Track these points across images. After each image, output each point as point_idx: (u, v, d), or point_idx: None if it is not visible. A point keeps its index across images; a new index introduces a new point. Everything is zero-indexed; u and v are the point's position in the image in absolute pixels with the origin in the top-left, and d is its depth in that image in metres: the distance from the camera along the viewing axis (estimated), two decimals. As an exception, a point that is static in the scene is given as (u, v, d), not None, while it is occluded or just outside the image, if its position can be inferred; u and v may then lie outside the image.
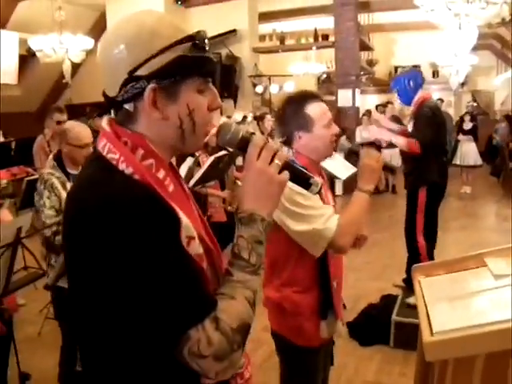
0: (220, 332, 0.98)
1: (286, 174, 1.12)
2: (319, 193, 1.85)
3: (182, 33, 1.06)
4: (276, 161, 1.11)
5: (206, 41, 1.08)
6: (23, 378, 2.83)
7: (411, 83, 4.23)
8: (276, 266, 2.06)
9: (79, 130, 3.12)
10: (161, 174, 1.06)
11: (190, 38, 1.05)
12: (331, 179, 5.53)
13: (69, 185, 3.06)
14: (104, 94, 1.09)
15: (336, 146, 2.18)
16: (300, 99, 2.09)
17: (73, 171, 3.15)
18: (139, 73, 1.02)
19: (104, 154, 1.04)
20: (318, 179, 1.20)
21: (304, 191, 1.19)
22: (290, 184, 1.17)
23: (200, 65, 1.07)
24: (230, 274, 1.07)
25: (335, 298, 2.10)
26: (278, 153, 1.12)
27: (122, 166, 1.01)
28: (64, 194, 3.01)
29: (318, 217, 1.92)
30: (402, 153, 4.76)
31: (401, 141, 4.28)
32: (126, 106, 1.06)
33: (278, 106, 2.19)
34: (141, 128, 1.07)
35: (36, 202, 3.02)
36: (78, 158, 3.08)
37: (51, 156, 3.24)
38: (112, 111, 1.11)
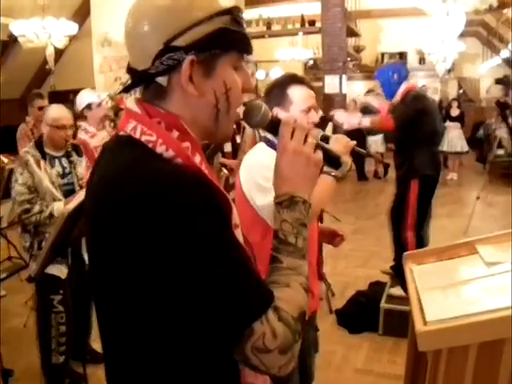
0: (283, 323, 0.91)
1: (319, 153, 1.08)
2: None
3: (219, 5, 0.98)
4: (309, 140, 1.06)
5: (243, 17, 1.02)
6: (6, 375, 2.74)
7: (395, 76, 4.09)
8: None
9: (57, 111, 3.23)
10: (197, 158, 0.98)
11: (228, 12, 0.98)
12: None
13: (42, 163, 3.13)
14: (129, 68, 1.01)
15: None
16: (287, 79, 2.13)
17: (52, 152, 3.21)
18: (176, 43, 0.94)
19: (137, 136, 0.96)
20: (346, 159, 1.31)
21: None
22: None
23: (239, 40, 1.01)
24: (278, 261, 1.00)
25: None
26: (311, 131, 1.07)
27: (160, 149, 0.93)
28: (38, 172, 3.06)
29: None
30: (394, 145, 4.58)
31: (370, 120, 4.11)
32: (159, 80, 0.97)
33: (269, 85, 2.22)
34: (172, 106, 0.99)
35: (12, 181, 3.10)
36: (55, 138, 3.16)
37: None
38: (138, 89, 1.02)
